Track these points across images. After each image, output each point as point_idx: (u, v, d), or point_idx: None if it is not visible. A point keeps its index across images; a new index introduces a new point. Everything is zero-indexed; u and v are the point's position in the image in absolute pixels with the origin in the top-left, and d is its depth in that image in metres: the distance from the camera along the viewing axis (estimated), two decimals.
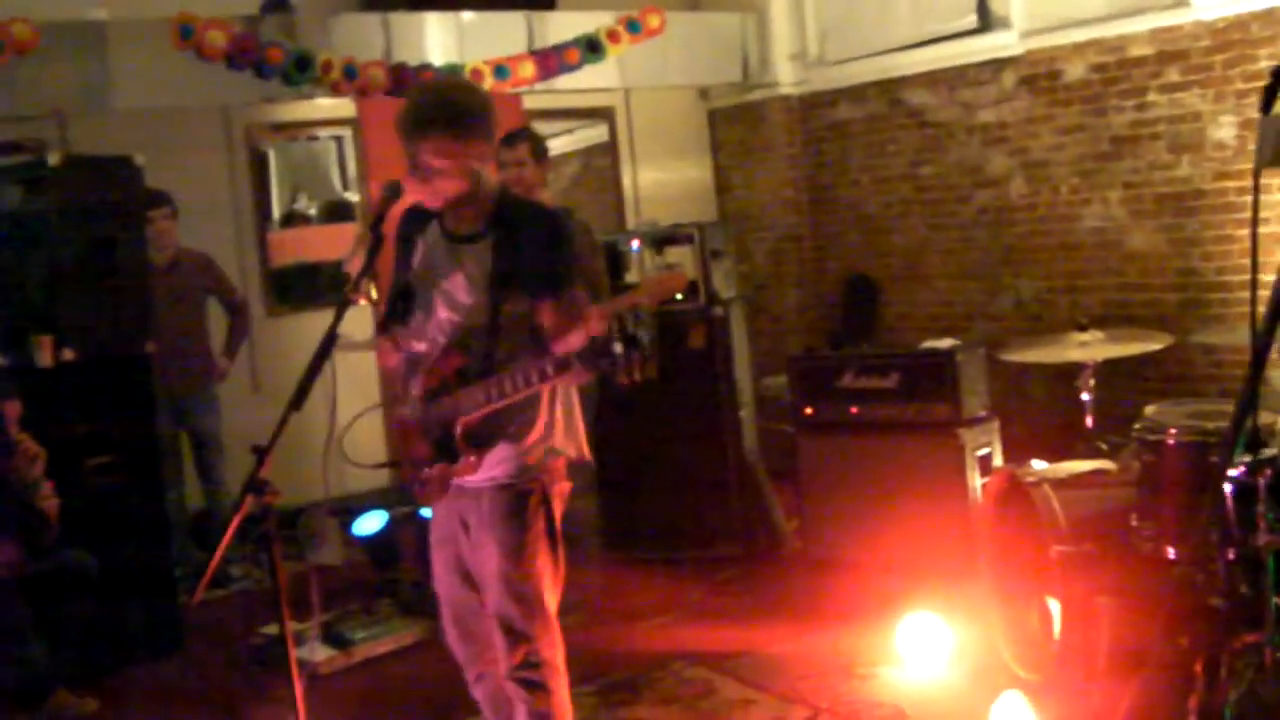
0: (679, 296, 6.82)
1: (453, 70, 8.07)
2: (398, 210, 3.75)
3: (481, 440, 3.61)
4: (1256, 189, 2.62)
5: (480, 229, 3.69)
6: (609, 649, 5.71)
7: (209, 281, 7.43)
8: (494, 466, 3.68)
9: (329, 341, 3.46)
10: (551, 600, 3.76)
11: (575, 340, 3.30)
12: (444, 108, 3.60)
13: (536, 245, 3.62)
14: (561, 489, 3.80)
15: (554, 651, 3.76)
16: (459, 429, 3.59)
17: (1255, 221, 2.55)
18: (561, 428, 3.76)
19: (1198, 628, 2.82)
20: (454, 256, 3.72)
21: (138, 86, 7.32)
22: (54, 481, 5.28)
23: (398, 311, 3.80)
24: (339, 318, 3.46)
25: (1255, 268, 2.43)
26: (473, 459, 3.61)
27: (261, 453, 3.33)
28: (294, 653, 3.42)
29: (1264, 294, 2.44)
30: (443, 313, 3.73)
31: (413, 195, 3.70)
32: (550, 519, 3.75)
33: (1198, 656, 2.82)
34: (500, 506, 3.69)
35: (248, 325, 7.70)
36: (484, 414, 3.54)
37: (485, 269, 3.65)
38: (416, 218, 3.83)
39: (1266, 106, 2.46)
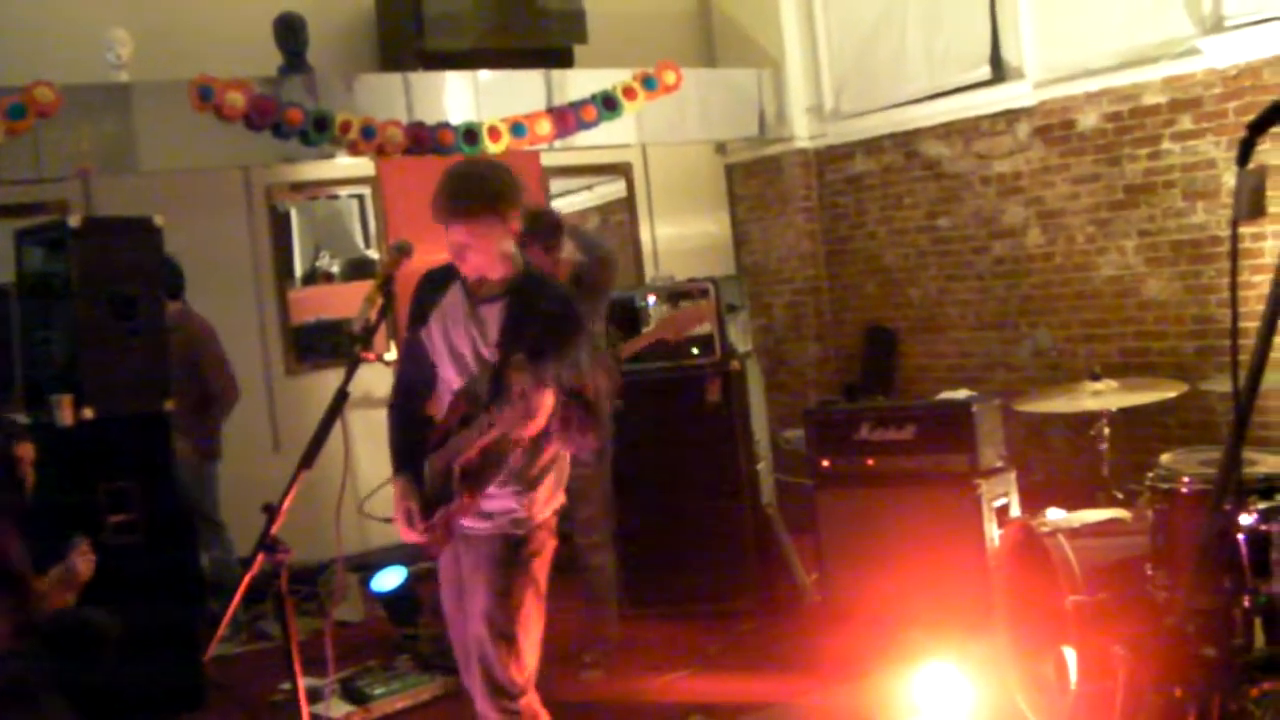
0: (695, 351, 6.90)
1: (470, 129, 8.15)
2: (409, 271, 3.81)
3: (476, 479, 3.73)
4: (1235, 239, 2.62)
5: (500, 292, 3.85)
6: (628, 702, 5.72)
7: (200, 351, 7.21)
8: (496, 517, 3.84)
9: (339, 400, 3.51)
10: (531, 654, 3.89)
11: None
12: (475, 189, 3.77)
13: (547, 319, 3.73)
14: (552, 545, 3.96)
15: (530, 698, 3.90)
16: (456, 470, 3.71)
17: (1234, 271, 2.55)
18: (556, 476, 3.96)
19: (1191, 678, 2.80)
20: (471, 315, 3.88)
21: (161, 148, 7.40)
22: (91, 539, 5.33)
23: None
24: (349, 376, 3.53)
25: (1235, 318, 2.44)
26: (468, 498, 3.72)
27: (273, 511, 3.36)
28: (307, 709, 3.44)
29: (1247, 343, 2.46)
30: (451, 373, 3.84)
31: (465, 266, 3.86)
32: (540, 571, 3.90)
33: (1191, 707, 2.81)
34: (495, 552, 3.87)
35: (214, 419, 7.36)
36: (478, 451, 3.66)
37: (498, 325, 3.78)
38: (434, 283, 4.01)
39: (1242, 160, 2.49)
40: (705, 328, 6.84)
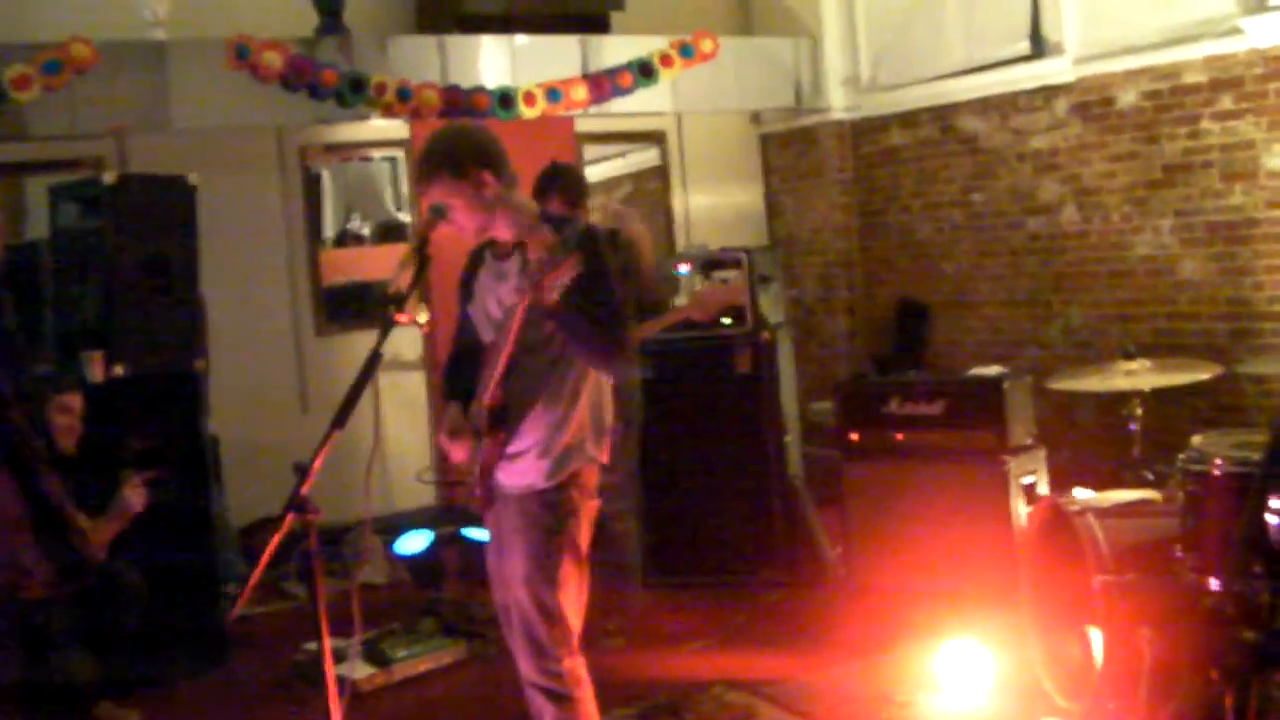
0: (726, 321, 6.87)
1: (505, 94, 8.12)
2: (444, 234, 3.80)
3: (503, 417, 3.76)
4: None
5: (516, 243, 3.84)
6: (651, 672, 5.71)
7: None
8: (527, 474, 3.82)
9: (373, 361, 3.50)
10: (573, 615, 3.85)
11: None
12: (438, 153, 3.82)
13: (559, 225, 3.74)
14: (590, 506, 3.88)
15: (574, 661, 3.85)
16: (483, 409, 3.75)
17: None
18: (591, 433, 3.89)
19: (1229, 660, 2.79)
20: (499, 274, 3.91)
21: (196, 106, 7.38)
22: (148, 478, 5.40)
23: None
24: (383, 337, 3.51)
25: None
26: (492, 441, 3.76)
27: (303, 471, 3.35)
28: (332, 671, 3.44)
29: None
30: (488, 335, 3.84)
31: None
32: (576, 531, 3.85)
33: (1228, 690, 2.79)
34: (530, 511, 3.83)
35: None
36: (498, 383, 3.69)
37: (519, 269, 3.77)
38: (475, 259, 4.07)
39: None
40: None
